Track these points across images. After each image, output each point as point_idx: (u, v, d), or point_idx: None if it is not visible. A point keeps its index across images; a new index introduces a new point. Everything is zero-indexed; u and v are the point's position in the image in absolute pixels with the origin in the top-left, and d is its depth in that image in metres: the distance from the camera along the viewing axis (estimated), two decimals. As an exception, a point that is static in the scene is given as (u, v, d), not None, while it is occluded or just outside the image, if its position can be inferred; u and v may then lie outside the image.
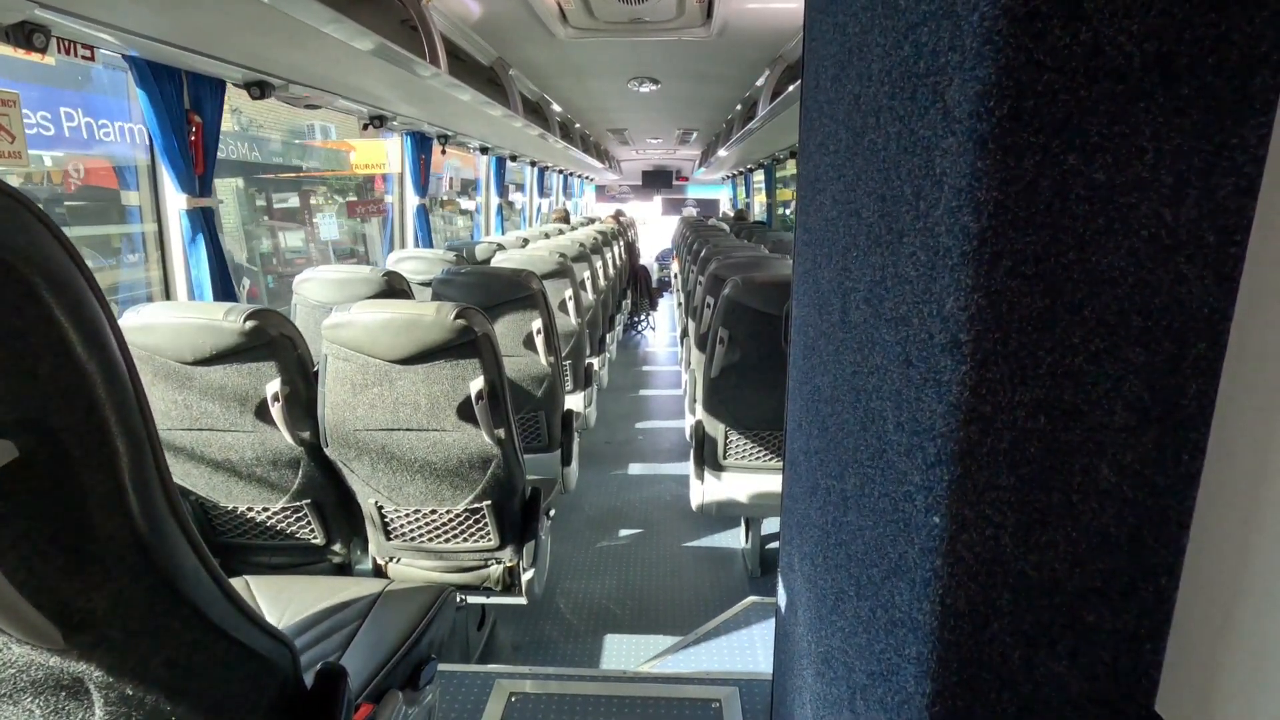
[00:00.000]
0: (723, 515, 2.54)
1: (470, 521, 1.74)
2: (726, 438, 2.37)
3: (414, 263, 3.35)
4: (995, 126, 0.44)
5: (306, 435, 1.60)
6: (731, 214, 10.29)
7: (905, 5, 0.55)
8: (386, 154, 4.52)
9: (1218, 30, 0.41)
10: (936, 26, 0.49)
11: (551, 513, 2.45)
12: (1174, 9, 0.41)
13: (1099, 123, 0.43)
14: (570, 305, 3.22)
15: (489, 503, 1.70)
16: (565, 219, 7.32)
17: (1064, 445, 0.48)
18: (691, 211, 12.03)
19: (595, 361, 3.96)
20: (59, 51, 1.61)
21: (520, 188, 8.25)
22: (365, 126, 3.34)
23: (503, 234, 6.24)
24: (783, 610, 1.22)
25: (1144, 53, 0.42)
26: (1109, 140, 0.43)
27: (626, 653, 2.30)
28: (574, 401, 3.35)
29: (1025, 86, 0.43)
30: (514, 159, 6.43)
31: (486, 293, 2.43)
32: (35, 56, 1.49)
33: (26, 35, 1.41)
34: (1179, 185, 0.43)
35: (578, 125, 6.98)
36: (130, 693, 0.53)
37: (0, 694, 0.51)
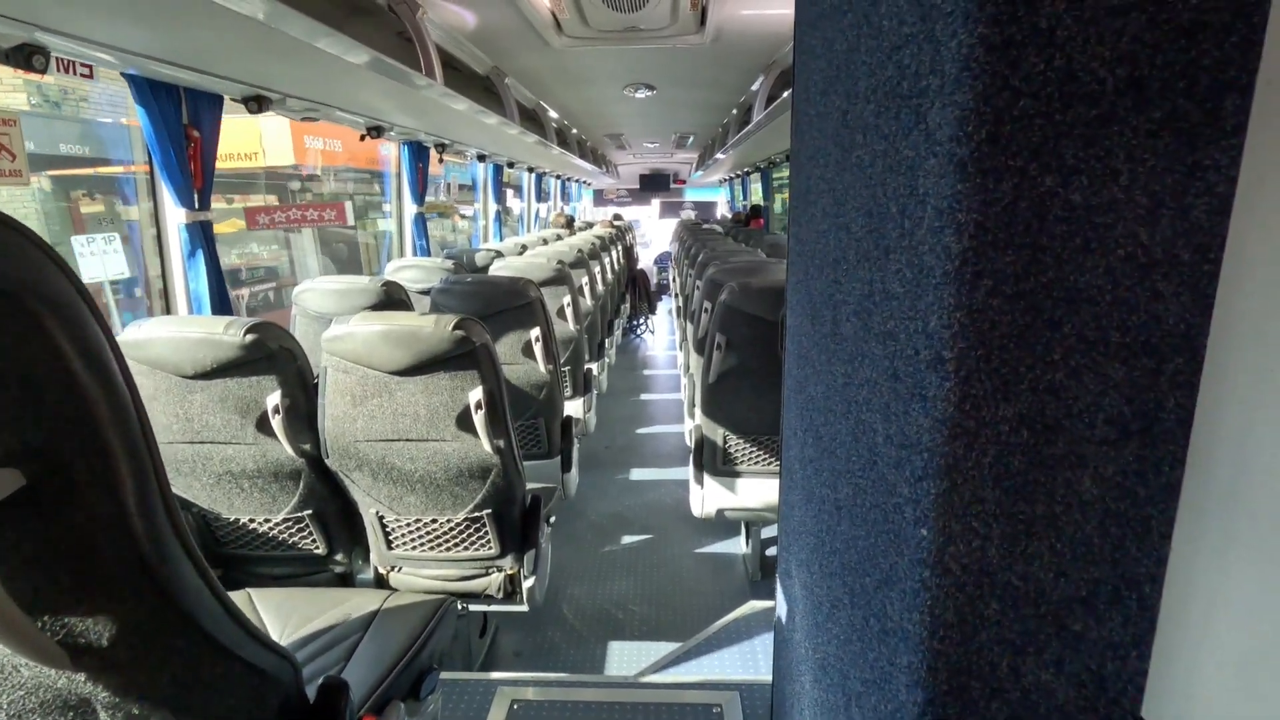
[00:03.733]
0: (723, 520, 2.54)
1: (471, 530, 1.75)
2: (725, 442, 2.38)
3: (412, 271, 3.36)
4: (974, 150, 0.45)
5: (307, 447, 1.61)
6: (729, 216, 10.32)
7: (888, 27, 0.56)
8: (262, 139, 3.19)
9: (1188, 55, 0.42)
10: (918, 50, 0.50)
11: (552, 520, 2.46)
12: (1144, 35, 0.42)
13: (1074, 146, 0.44)
14: (569, 312, 3.23)
15: (489, 511, 1.71)
16: (568, 224, 7.33)
17: (1047, 458, 0.49)
18: (689, 214, 12.06)
19: (594, 367, 3.97)
20: (58, 70, 1.62)
21: (518, 192, 8.26)
22: (362, 137, 3.35)
23: (501, 240, 6.26)
24: (781, 616, 1.23)
25: (1116, 78, 0.43)
26: (1084, 163, 0.44)
27: (628, 658, 2.30)
28: (573, 408, 3.36)
29: (1002, 112, 0.44)
30: (511, 166, 6.45)
31: (485, 301, 2.45)
32: (34, 76, 1.51)
33: (26, 57, 1.43)
34: (1154, 206, 0.45)
35: (574, 131, 7.00)
36: (136, 712, 0.54)
37: (9, 715, 0.52)
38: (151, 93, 1.95)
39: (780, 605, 1.24)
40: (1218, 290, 0.45)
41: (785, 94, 3.03)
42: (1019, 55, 0.43)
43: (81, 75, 1.79)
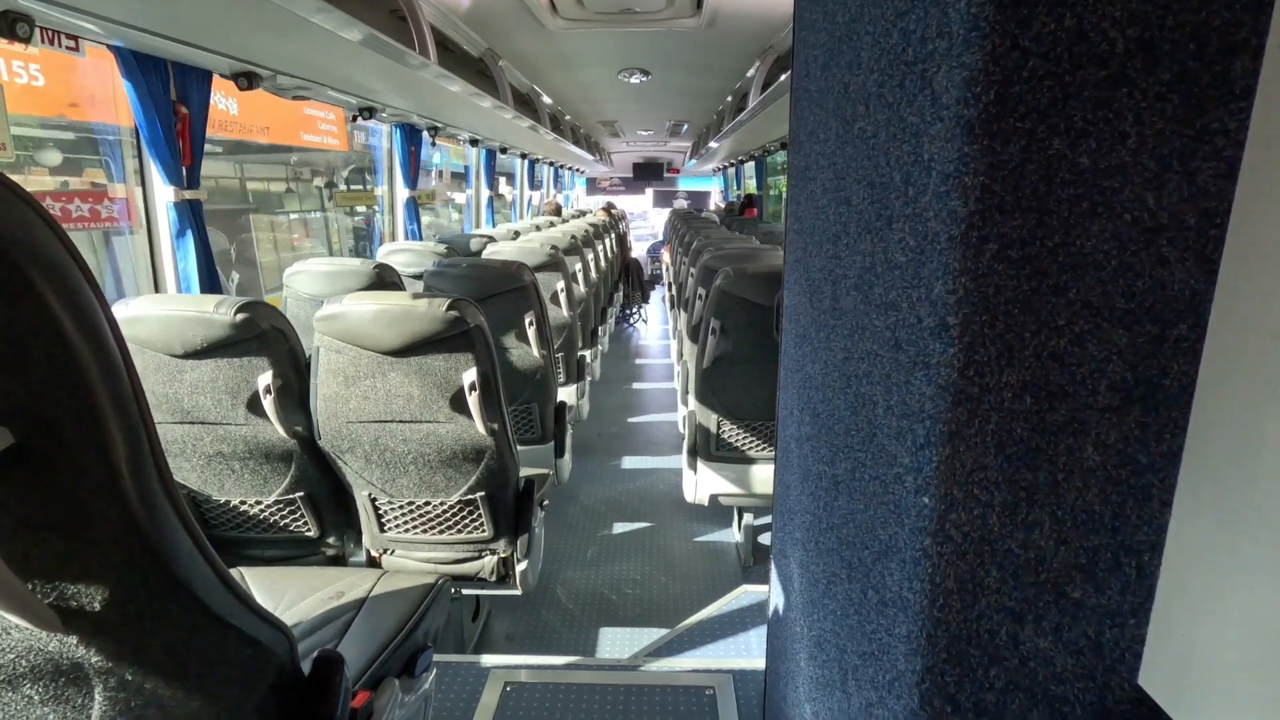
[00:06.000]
0: (715, 506, 2.55)
1: (464, 513, 1.74)
2: (719, 428, 2.38)
3: (404, 255, 3.34)
4: (982, 112, 0.45)
5: (299, 428, 1.60)
6: (722, 206, 10.30)
7: None
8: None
9: (1198, 17, 0.42)
10: (924, 14, 0.50)
11: (545, 504, 2.46)
12: None
13: (1083, 108, 0.44)
14: (562, 297, 3.22)
15: (483, 494, 1.70)
16: (557, 211, 7.31)
17: (1049, 425, 0.49)
18: (683, 203, 12.06)
19: (587, 354, 3.96)
20: (42, 41, 1.59)
21: (510, 179, 8.19)
22: (354, 118, 3.31)
23: (493, 226, 6.22)
24: (775, 597, 1.23)
25: (1126, 39, 0.42)
26: (1093, 125, 0.44)
27: (620, 643, 2.31)
28: (566, 394, 3.35)
29: (1011, 73, 0.44)
30: (504, 151, 6.40)
31: (478, 285, 2.43)
32: (18, 47, 1.47)
33: (9, 25, 1.39)
34: (1161, 170, 0.44)
35: (568, 117, 6.95)
36: (129, 678, 0.53)
37: (1, 680, 0.51)
38: (139, 67, 1.91)
39: (774, 586, 1.24)
40: (1223, 256, 0.45)
41: (783, 76, 3.01)
42: (1029, 14, 0.43)
43: (67, 49, 1.75)
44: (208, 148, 2.12)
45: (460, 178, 8.30)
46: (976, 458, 0.50)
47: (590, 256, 4.57)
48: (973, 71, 0.44)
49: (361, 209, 7.14)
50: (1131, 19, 0.42)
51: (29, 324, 0.44)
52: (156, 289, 2.23)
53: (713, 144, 6.86)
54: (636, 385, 5.36)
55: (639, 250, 10.33)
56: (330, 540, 1.82)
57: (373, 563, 1.86)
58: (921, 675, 0.55)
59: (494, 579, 1.86)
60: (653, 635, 2.32)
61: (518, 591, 1.89)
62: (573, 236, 4.15)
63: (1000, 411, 0.49)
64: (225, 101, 4.41)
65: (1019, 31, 0.43)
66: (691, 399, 2.44)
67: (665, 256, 8.05)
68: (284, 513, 1.74)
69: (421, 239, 4.37)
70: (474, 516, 1.75)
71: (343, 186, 7.01)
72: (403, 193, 4.29)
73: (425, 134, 4.21)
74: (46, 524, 0.47)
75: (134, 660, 0.53)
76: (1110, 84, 0.43)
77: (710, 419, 2.37)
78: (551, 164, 9.19)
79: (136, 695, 0.55)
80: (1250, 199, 0.44)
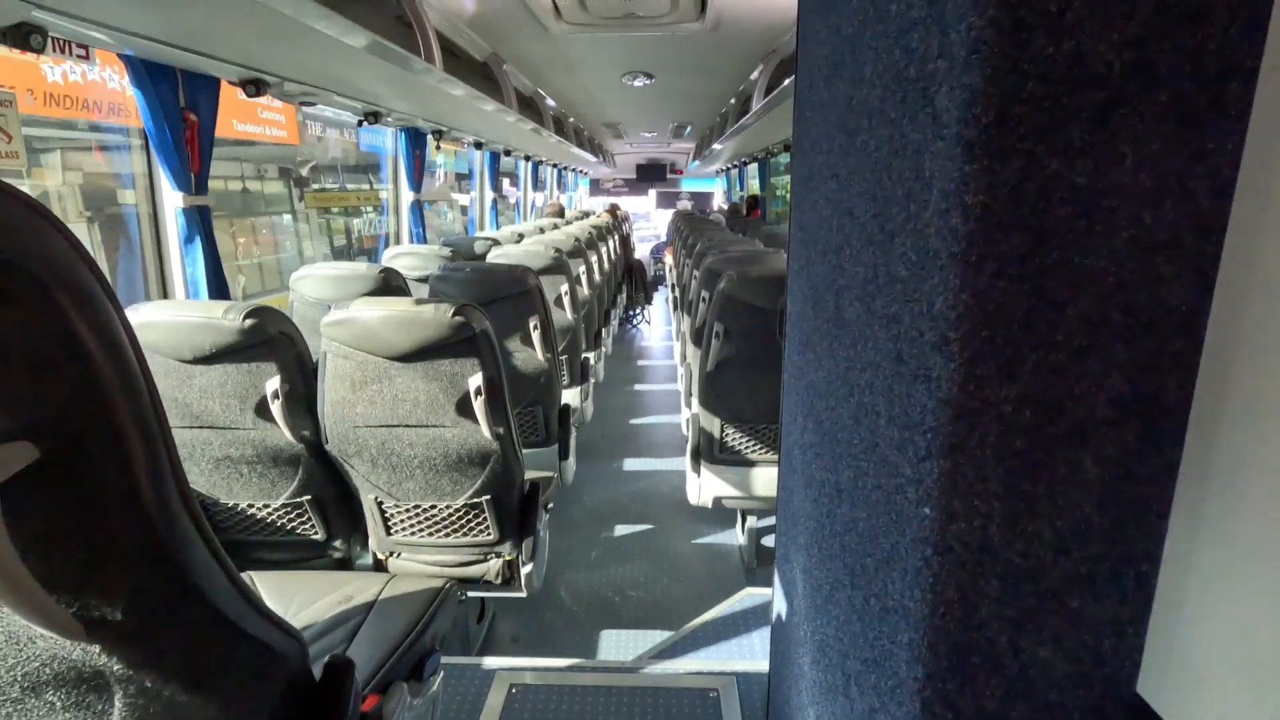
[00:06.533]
0: (719, 509, 2.56)
1: (470, 516, 1.75)
2: (722, 431, 2.39)
3: (410, 259, 3.36)
4: (982, 132, 0.45)
5: (306, 433, 1.61)
6: (726, 207, 10.31)
7: (896, 11, 0.56)
8: None
9: (1194, 40, 0.43)
10: (925, 34, 0.51)
11: (550, 506, 2.47)
12: (1152, 19, 0.43)
13: (1081, 129, 0.45)
14: (566, 300, 3.23)
15: (488, 497, 1.71)
16: (560, 213, 7.34)
17: (1049, 438, 0.50)
18: (686, 205, 12.09)
19: (591, 356, 3.97)
20: (54, 51, 1.61)
21: (514, 181, 8.20)
22: (360, 122, 3.33)
23: (498, 228, 6.24)
24: (778, 601, 1.24)
25: (1124, 61, 0.43)
26: (1091, 145, 0.45)
27: (625, 645, 2.32)
28: (570, 396, 3.36)
29: (1010, 94, 0.45)
30: (508, 154, 6.42)
31: (483, 289, 2.45)
32: (30, 57, 1.49)
33: (24, 36, 1.41)
34: (1158, 189, 0.45)
35: (571, 119, 6.97)
36: (149, 685, 0.55)
37: (24, 687, 0.52)
38: (148, 75, 1.93)
39: (778, 590, 1.25)
40: (1219, 273, 0.46)
41: (786, 81, 3.02)
42: (1028, 38, 0.43)
43: (79, 58, 1.77)
44: (117, 139, 2.10)
45: (462, 178, 8.29)
46: (977, 470, 0.51)
47: (594, 259, 4.58)
48: (973, 93, 0.45)
49: (339, 211, 6.19)
50: (1129, 43, 0.43)
51: (50, 338, 0.45)
52: (165, 294, 2.25)
53: (716, 146, 6.87)
54: (640, 387, 5.37)
55: (642, 251, 10.35)
56: (337, 543, 1.84)
57: (379, 566, 1.87)
58: (923, 682, 0.56)
59: (499, 581, 1.88)
60: (657, 637, 2.33)
61: (523, 594, 1.90)
62: (576, 239, 4.16)
63: (1000, 425, 0.50)
64: (120, 79, 3.35)
65: (1018, 54, 0.44)
66: (695, 402, 2.44)
67: (668, 258, 8.06)
68: (291, 516, 1.76)
69: (426, 242, 4.39)
70: (479, 520, 1.76)
71: (315, 185, 6.00)
72: (407, 196, 4.30)
73: (429, 137, 4.23)
74: (70, 536, 0.48)
75: (153, 667, 0.55)
76: (1108, 105, 0.44)
77: (714, 422, 2.38)
78: (555, 165, 9.21)
79: (155, 701, 0.56)
80: (1246, 217, 0.45)
